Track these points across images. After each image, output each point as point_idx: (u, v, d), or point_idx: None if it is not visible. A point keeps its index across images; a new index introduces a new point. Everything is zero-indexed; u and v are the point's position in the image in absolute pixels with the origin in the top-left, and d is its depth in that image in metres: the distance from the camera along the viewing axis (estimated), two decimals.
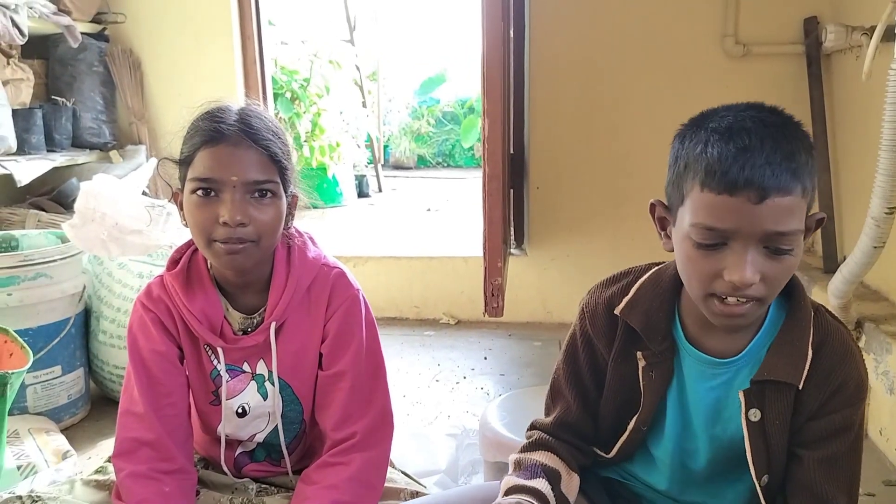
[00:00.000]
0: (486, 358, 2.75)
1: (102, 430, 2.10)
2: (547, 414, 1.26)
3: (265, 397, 1.34)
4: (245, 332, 1.32)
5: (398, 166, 7.75)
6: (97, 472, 1.45)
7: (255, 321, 1.32)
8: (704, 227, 0.99)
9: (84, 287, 2.14)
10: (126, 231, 1.99)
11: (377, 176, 6.36)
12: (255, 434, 1.38)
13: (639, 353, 1.15)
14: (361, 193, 6.03)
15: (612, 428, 1.22)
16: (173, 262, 1.32)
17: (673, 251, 1.10)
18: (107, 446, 1.68)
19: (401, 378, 2.55)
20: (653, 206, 1.12)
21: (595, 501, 1.28)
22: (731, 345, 1.11)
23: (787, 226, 0.97)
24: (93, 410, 2.22)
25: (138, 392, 1.27)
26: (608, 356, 1.18)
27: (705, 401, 1.14)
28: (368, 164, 6.29)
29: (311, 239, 1.38)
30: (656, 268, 1.18)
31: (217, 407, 1.34)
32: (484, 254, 2.12)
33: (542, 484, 1.16)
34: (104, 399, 2.27)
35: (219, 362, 1.31)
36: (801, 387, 1.06)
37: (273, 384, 1.33)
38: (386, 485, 1.41)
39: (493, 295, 2.10)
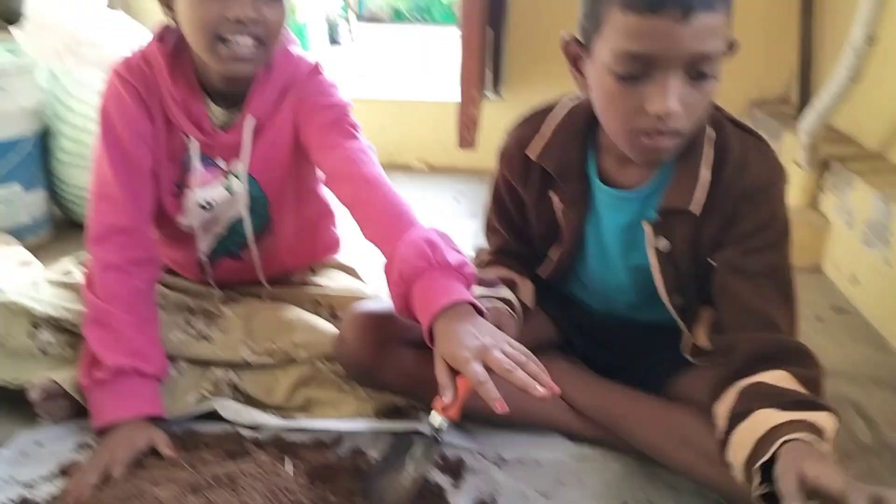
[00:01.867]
0: (457, 201, 2.75)
1: (67, 251, 2.09)
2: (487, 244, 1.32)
3: (232, 193, 1.32)
4: (223, 128, 1.29)
5: (373, 19, 7.47)
6: (63, 274, 1.45)
7: (234, 117, 1.29)
8: (627, 53, 0.95)
9: (41, 104, 2.05)
10: (83, 43, 1.89)
11: (349, 25, 6.13)
12: (219, 228, 1.37)
13: (554, 194, 1.16)
14: (332, 41, 5.84)
15: (542, 256, 1.26)
16: (160, 38, 1.25)
17: (589, 93, 1.06)
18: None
19: None
20: (566, 42, 1.07)
21: (550, 314, 1.34)
22: (642, 178, 1.11)
23: (711, 46, 0.94)
24: (57, 233, 2.20)
25: (112, 173, 1.23)
26: (527, 196, 1.20)
27: (619, 233, 1.17)
28: (343, 14, 6.04)
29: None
30: (571, 107, 1.16)
31: (179, 199, 1.32)
32: (461, 82, 2.06)
33: (506, 292, 1.20)
34: (68, 223, 2.24)
35: (192, 152, 1.28)
36: (698, 211, 1.06)
37: (243, 183, 1.31)
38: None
39: (467, 126, 2.06)
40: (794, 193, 2.12)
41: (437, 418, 1.02)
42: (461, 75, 2.06)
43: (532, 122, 1.20)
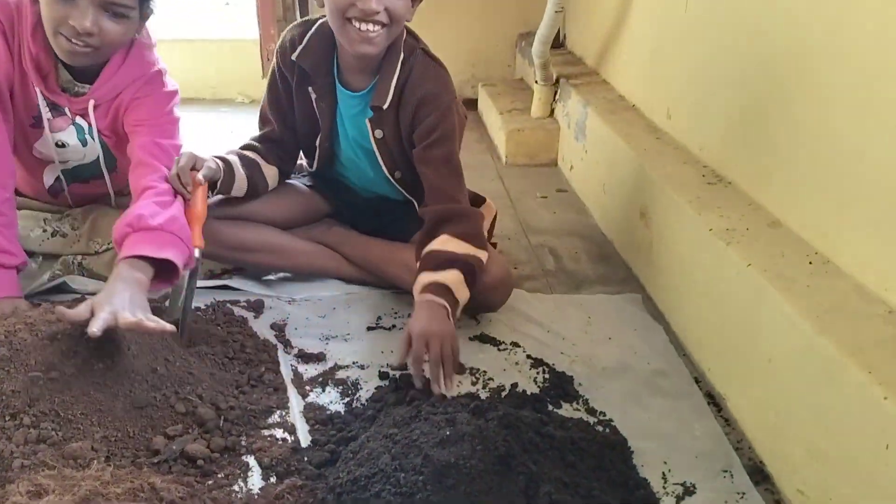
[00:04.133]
0: None
1: None
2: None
3: (84, 144, 1.65)
4: (66, 91, 1.57)
5: None
6: None
7: (78, 91, 1.58)
8: None
9: None
10: None
11: None
12: (72, 163, 1.70)
13: (310, 88, 1.61)
14: None
15: (310, 145, 1.72)
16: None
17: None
18: None
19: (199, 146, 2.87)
20: None
21: (324, 194, 1.81)
22: (364, 83, 1.59)
23: None
24: None
25: None
26: (292, 84, 1.64)
27: (353, 124, 1.65)
28: None
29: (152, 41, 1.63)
30: (325, 20, 1.60)
31: (36, 130, 1.62)
32: (259, 21, 2.44)
33: (233, 158, 1.64)
34: None
35: (41, 102, 1.56)
36: (385, 106, 1.54)
37: (94, 139, 1.64)
38: None
39: (268, 59, 2.45)
40: (536, 107, 2.71)
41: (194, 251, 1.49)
42: (258, 15, 2.43)
43: (301, 27, 1.63)
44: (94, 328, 1.18)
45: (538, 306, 1.71)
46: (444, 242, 1.49)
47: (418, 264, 1.51)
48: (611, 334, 1.61)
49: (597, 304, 1.73)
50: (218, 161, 1.59)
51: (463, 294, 1.46)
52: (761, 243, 1.37)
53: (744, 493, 1.17)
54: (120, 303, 1.26)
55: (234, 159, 1.63)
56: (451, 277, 1.45)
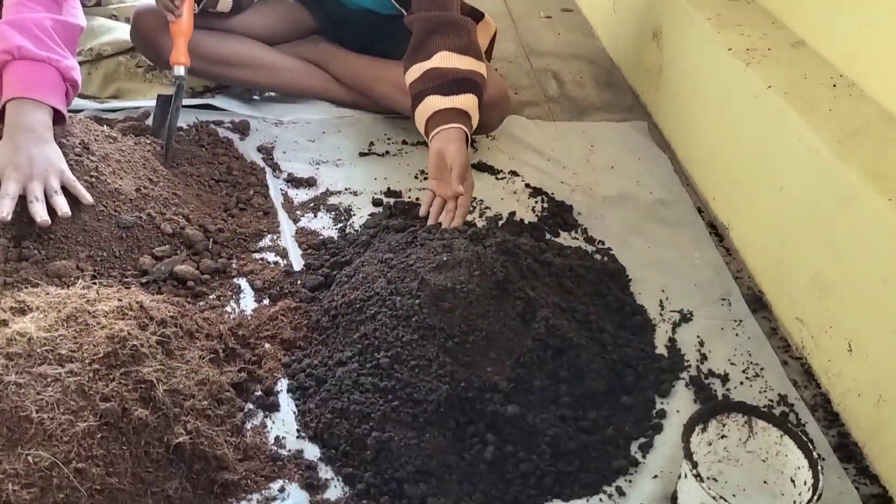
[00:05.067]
0: None
1: None
2: None
3: None
4: None
5: None
6: None
7: None
8: None
9: None
10: None
11: None
12: None
13: None
14: None
15: None
16: None
17: None
18: None
19: None
20: None
21: (309, 8, 1.67)
22: None
23: None
24: None
25: None
26: None
27: None
28: None
29: None
30: None
31: None
32: None
33: None
34: None
35: None
36: None
37: None
38: None
39: None
40: None
41: (177, 69, 1.38)
42: None
43: None
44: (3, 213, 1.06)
45: (539, 134, 1.63)
46: (445, 59, 1.36)
47: (413, 79, 1.39)
48: (614, 163, 1.55)
49: (600, 132, 1.65)
50: None
51: (476, 116, 1.35)
52: (783, 64, 1.27)
53: (741, 321, 1.17)
54: (26, 166, 1.11)
55: None
56: (467, 101, 1.33)
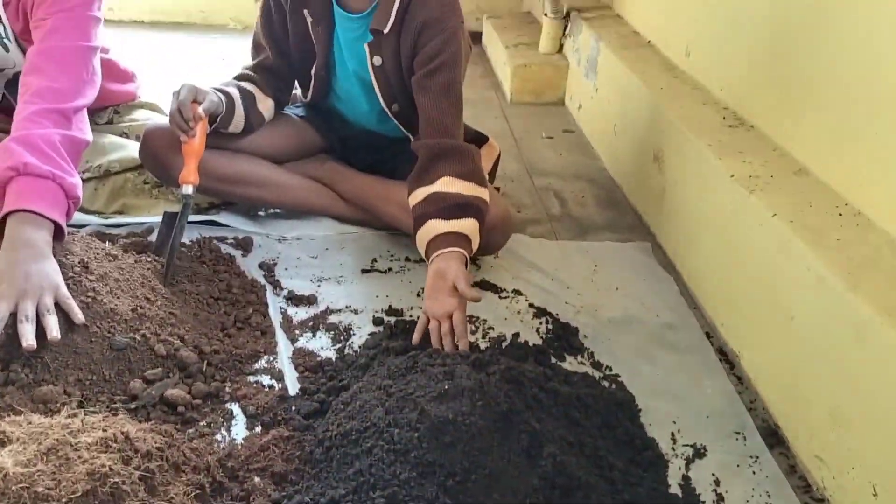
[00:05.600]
0: None
1: None
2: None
3: (6, 49, 1.50)
4: None
5: None
6: None
7: None
8: None
9: None
10: None
11: None
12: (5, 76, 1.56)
13: (305, 11, 1.48)
14: None
15: (304, 75, 1.60)
16: None
17: None
18: None
19: (189, 75, 2.73)
20: None
21: (318, 127, 1.70)
22: (364, 5, 1.46)
23: None
24: None
25: None
26: (286, 9, 1.51)
27: (351, 50, 1.52)
28: None
29: None
30: None
31: None
32: None
33: (233, 91, 1.53)
34: None
35: None
36: (386, 30, 1.43)
37: (11, 41, 1.49)
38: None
39: None
40: (545, 42, 2.56)
41: (187, 188, 1.39)
42: None
43: None
44: None
45: (542, 252, 1.62)
46: (448, 184, 1.37)
47: (416, 202, 1.40)
48: (618, 284, 1.53)
49: (604, 252, 1.64)
50: (220, 94, 1.47)
51: (477, 241, 1.36)
52: (787, 192, 1.27)
53: (757, 457, 1.11)
54: (22, 281, 1.09)
55: (235, 93, 1.51)
56: (468, 226, 1.34)
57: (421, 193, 1.39)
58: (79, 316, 1.12)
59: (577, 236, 1.72)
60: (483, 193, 1.38)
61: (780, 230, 1.18)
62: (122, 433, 0.94)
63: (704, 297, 1.46)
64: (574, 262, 1.60)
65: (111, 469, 0.86)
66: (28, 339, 1.06)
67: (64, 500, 0.81)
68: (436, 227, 1.33)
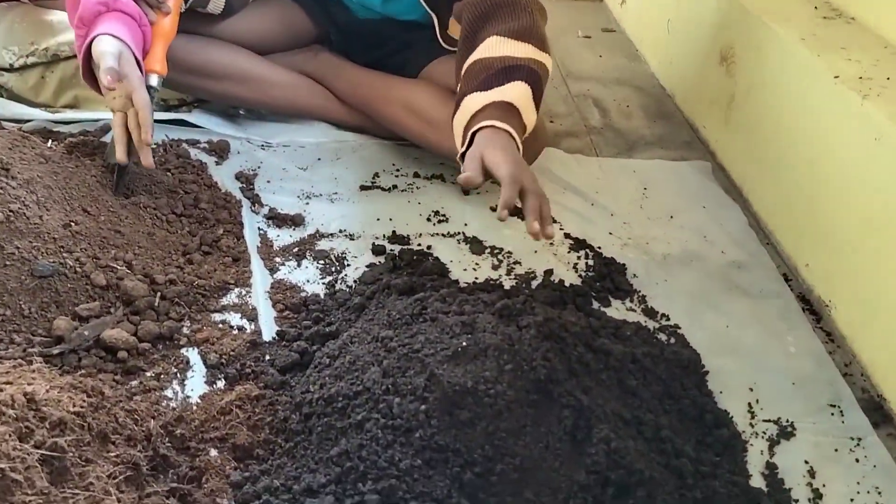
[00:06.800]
0: None
1: None
2: None
3: None
4: None
5: None
6: None
7: None
8: None
9: None
10: None
11: None
12: None
13: None
14: None
15: None
16: None
17: None
18: None
19: None
20: None
21: (312, 13, 1.40)
22: None
23: None
24: None
25: None
26: None
27: None
28: None
29: None
30: None
31: None
32: None
33: None
34: None
35: None
36: None
37: None
38: None
39: None
40: None
41: (152, 78, 1.10)
42: None
43: None
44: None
45: (580, 171, 1.34)
46: (493, 46, 1.04)
47: (459, 85, 1.08)
48: (673, 211, 1.25)
49: (655, 172, 1.36)
50: None
51: (531, 118, 1.01)
52: None
53: (859, 440, 0.86)
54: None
55: None
56: (515, 92, 0.99)
57: (463, 69, 1.07)
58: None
59: (622, 153, 1.43)
60: (543, 57, 1.05)
61: None
62: (25, 395, 0.69)
63: (783, 231, 1.19)
64: (619, 183, 1.32)
65: None
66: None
67: None
68: (472, 104, 1.00)
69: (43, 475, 0.64)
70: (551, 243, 1.15)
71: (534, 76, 1.02)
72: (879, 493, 0.81)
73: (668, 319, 1.02)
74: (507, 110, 0.99)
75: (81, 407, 0.73)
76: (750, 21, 1.30)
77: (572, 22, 2.01)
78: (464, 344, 0.75)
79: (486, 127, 0.96)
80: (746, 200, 1.30)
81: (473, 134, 0.97)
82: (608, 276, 1.08)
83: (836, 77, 1.04)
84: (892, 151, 0.93)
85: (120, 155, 1.05)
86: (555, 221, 1.20)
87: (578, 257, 1.13)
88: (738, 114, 1.33)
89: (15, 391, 0.69)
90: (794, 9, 1.27)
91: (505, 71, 1.02)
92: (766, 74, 1.24)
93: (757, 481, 0.80)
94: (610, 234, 1.18)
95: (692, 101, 1.55)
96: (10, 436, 0.64)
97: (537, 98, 1.02)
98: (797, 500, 0.79)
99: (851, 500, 0.80)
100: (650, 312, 1.03)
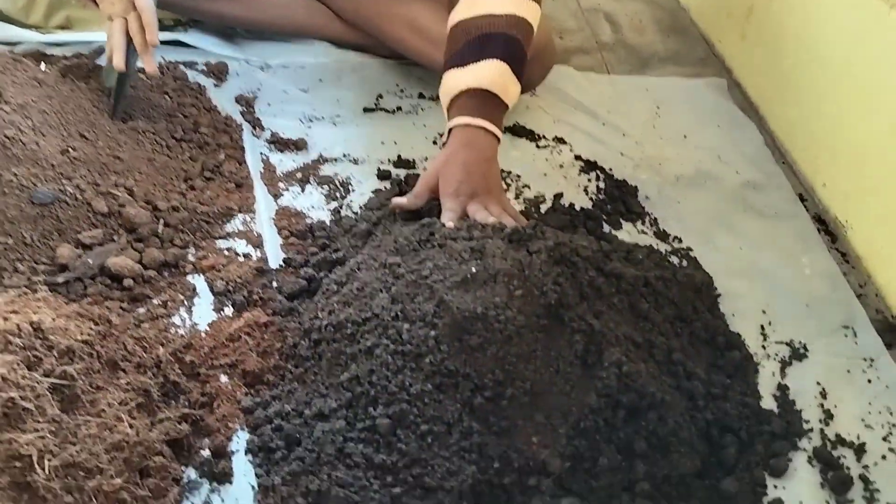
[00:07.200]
0: None
1: None
2: None
3: None
4: None
5: None
6: None
7: None
8: None
9: None
10: None
11: None
12: None
13: None
14: None
15: None
16: None
17: None
18: None
19: None
20: None
21: None
22: None
23: None
24: None
25: None
26: None
27: None
28: None
29: None
30: None
31: None
32: None
33: None
34: None
35: None
36: None
37: None
38: None
39: None
40: None
41: None
42: None
43: None
44: None
45: (591, 89, 1.30)
46: (474, 3, 1.00)
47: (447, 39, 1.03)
48: (686, 131, 1.21)
49: (668, 90, 1.31)
50: None
51: (512, 92, 0.98)
52: None
53: (872, 360, 0.86)
54: None
55: None
56: (490, 73, 0.96)
57: (450, 25, 1.01)
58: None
59: (634, 70, 1.38)
60: (524, 9, 1.01)
61: None
62: (32, 324, 0.68)
63: (799, 150, 1.15)
64: (631, 102, 1.27)
65: (5, 379, 0.61)
66: None
67: None
68: (451, 83, 0.97)
69: (54, 403, 0.64)
70: (561, 165, 1.12)
71: (512, 46, 0.97)
72: (891, 412, 0.81)
73: (681, 242, 1.00)
74: (483, 97, 0.95)
75: (89, 335, 0.73)
76: None
77: None
78: (473, 270, 0.73)
79: (459, 126, 0.94)
80: (763, 119, 1.25)
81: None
82: (620, 199, 1.06)
83: None
84: None
85: (118, 61, 1.01)
86: (565, 142, 1.17)
87: (589, 179, 1.10)
88: (757, 27, 1.28)
89: (21, 320, 0.68)
90: None
91: (481, 40, 0.97)
92: None
93: (768, 403, 0.80)
94: (622, 154, 1.15)
95: (708, 15, 1.48)
96: (18, 365, 0.64)
97: (517, 68, 0.98)
98: (808, 421, 0.79)
99: (862, 419, 0.80)
100: (662, 235, 1.01)
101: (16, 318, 0.69)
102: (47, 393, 0.64)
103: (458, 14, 1.01)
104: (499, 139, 0.95)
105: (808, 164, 1.13)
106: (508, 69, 0.97)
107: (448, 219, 0.86)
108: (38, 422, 0.61)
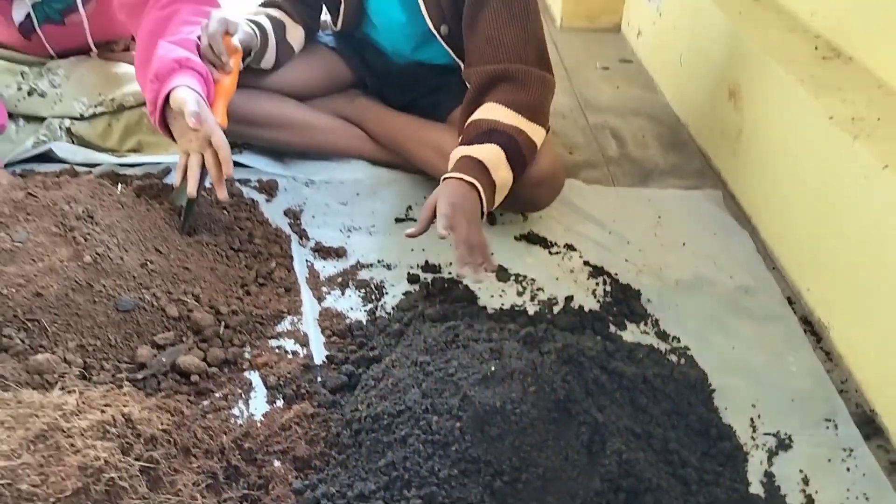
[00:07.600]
0: None
1: None
2: None
3: None
4: None
5: None
6: None
7: None
8: None
9: None
10: None
11: None
12: None
13: None
14: None
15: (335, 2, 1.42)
16: None
17: None
18: None
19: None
20: None
21: (349, 60, 1.52)
22: None
23: None
24: None
25: None
26: None
27: None
28: None
29: None
30: None
31: None
32: None
33: (264, 21, 1.37)
34: None
35: None
36: None
37: None
38: None
39: None
40: None
41: None
42: None
43: None
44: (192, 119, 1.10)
45: (598, 201, 1.45)
46: (489, 110, 1.20)
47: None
48: (685, 239, 1.35)
49: (669, 201, 1.46)
50: (252, 25, 1.31)
51: (502, 175, 1.16)
52: None
53: (851, 450, 0.96)
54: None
55: (267, 24, 1.35)
56: (487, 152, 1.15)
57: (466, 124, 1.22)
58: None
59: (638, 182, 1.53)
60: (529, 128, 1.19)
61: (892, 184, 0.99)
62: (124, 415, 0.82)
63: (787, 257, 1.29)
64: (634, 212, 1.42)
65: (107, 462, 0.74)
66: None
67: (52, 499, 0.70)
68: (454, 155, 1.18)
69: (143, 483, 0.76)
70: (571, 270, 1.26)
71: (512, 142, 1.17)
72: (867, 498, 0.90)
73: (679, 341, 1.12)
74: (476, 166, 1.15)
75: (168, 425, 0.86)
76: (754, 59, 1.40)
77: (591, 54, 2.12)
78: (492, 368, 0.86)
79: (451, 178, 1.13)
80: (755, 228, 1.39)
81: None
82: (624, 302, 1.19)
83: (831, 118, 1.14)
84: (881, 189, 1.02)
85: (192, 190, 1.17)
86: (575, 249, 1.31)
87: (597, 283, 1.24)
88: (746, 146, 1.43)
89: (114, 412, 0.82)
90: (795, 48, 1.37)
91: (488, 132, 1.18)
92: (770, 112, 1.34)
93: (756, 488, 0.90)
94: (626, 260, 1.29)
95: (704, 132, 1.65)
96: (115, 450, 0.77)
97: (513, 159, 1.18)
98: None
99: None
100: (662, 335, 1.13)
101: (110, 410, 0.83)
102: (138, 474, 0.76)
103: (475, 115, 1.21)
104: (482, 201, 1.12)
105: (794, 270, 1.26)
106: (504, 156, 1.16)
107: (441, 226, 1.03)
108: (133, 499, 0.74)
